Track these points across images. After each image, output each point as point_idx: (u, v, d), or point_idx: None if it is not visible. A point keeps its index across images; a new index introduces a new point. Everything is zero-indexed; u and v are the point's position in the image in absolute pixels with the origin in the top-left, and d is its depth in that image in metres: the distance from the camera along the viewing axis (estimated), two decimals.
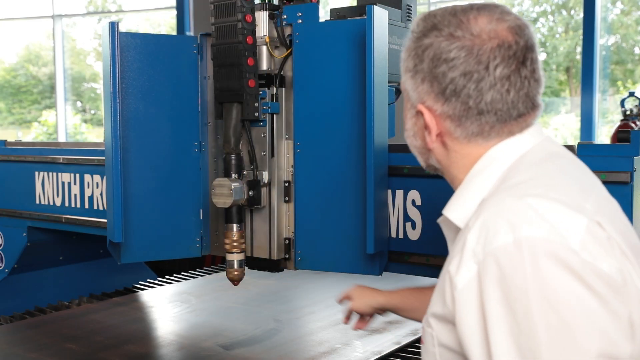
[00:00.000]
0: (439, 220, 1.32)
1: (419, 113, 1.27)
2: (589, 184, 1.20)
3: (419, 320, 1.89)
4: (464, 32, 1.18)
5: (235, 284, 2.54)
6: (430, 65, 1.22)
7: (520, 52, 1.18)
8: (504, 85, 1.17)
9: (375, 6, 2.23)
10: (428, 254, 2.35)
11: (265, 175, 2.52)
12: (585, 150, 2.06)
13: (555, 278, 0.99)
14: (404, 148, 2.54)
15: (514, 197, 1.08)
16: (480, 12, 1.20)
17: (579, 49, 9.44)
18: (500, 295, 1.01)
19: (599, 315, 0.98)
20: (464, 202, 1.22)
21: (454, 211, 1.24)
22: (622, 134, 5.84)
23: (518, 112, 1.20)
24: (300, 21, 2.49)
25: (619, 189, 1.94)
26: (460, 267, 1.08)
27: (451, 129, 1.23)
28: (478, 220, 1.09)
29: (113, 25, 2.43)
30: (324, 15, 2.60)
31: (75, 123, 14.90)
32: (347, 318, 2.09)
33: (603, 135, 8.89)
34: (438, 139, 1.27)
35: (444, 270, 1.16)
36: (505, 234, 1.03)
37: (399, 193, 2.41)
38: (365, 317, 2.06)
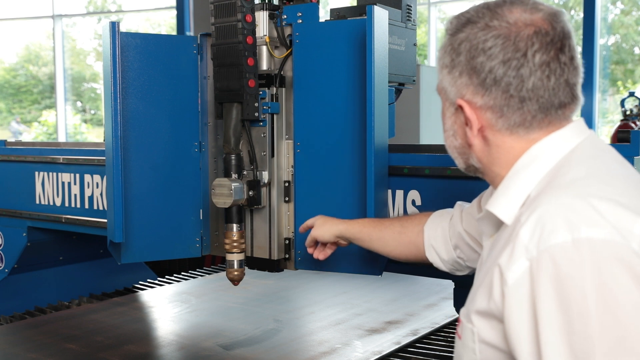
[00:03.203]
0: (480, 217, 1.30)
1: (459, 109, 1.25)
2: (638, 182, 1.18)
3: (377, 251, 1.96)
4: (500, 22, 1.18)
5: (235, 284, 2.54)
6: (468, 56, 1.20)
7: (557, 39, 1.17)
8: (544, 71, 1.16)
9: (375, 6, 2.23)
10: None
11: (265, 175, 2.52)
12: None
13: (616, 281, 0.97)
14: (404, 148, 2.55)
15: (573, 196, 1.05)
16: (513, 4, 1.20)
17: (579, 49, 9.44)
18: (555, 294, 1.00)
19: None
20: (509, 197, 1.20)
21: (499, 206, 1.21)
22: (622, 134, 5.82)
23: (559, 100, 1.18)
24: (300, 21, 2.49)
25: None
26: (512, 263, 1.05)
27: (492, 120, 1.21)
28: (532, 216, 1.06)
29: (113, 25, 2.43)
30: (324, 15, 2.60)
31: (75, 123, 14.90)
32: (312, 247, 2.13)
33: (603, 135, 8.90)
34: (479, 134, 1.24)
35: (492, 264, 1.13)
36: (563, 233, 1.01)
37: (399, 193, 2.41)
38: (327, 246, 2.10)
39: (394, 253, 1.93)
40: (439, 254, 1.80)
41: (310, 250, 2.13)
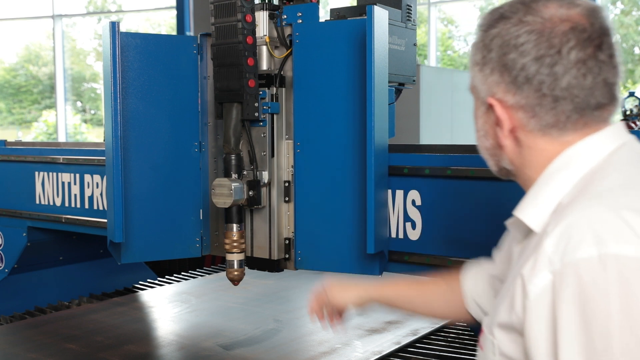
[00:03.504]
0: (509, 222, 1.22)
1: (490, 108, 1.18)
2: None
3: (417, 313, 1.79)
4: (534, 17, 1.11)
5: (235, 284, 2.54)
6: (499, 53, 1.14)
7: (595, 35, 1.10)
8: (580, 69, 1.09)
9: (375, 6, 2.23)
10: (428, 254, 2.35)
11: (265, 175, 2.52)
12: None
13: None
14: (404, 148, 2.55)
15: (604, 206, 0.99)
16: (549, 0, 1.14)
17: None
18: (576, 311, 0.95)
19: None
20: (539, 203, 1.13)
21: (528, 212, 1.14)
22: None
23: (596, 101, 1.11)
24: (300, 21, 2.49)
25: None
26: (534, 275, 1.01)
27: (524, 120, 1.14)
28: (559, 226, 1.00)
29: (113, 25, 2.43)
30: (324, 15, 2.60)
31: (75, 123, 14.91)
32: (322, 315, 1.79)
33: None
34: (510, 135, 1.18)
35: (515, 273, 1.08)
36: (589, 247, 0.95)
37: (399, 193, 2.41)
38: (341, 313, 1.80)
39: (442, 313, 1.78)
40: (482, 308, 1.64)
41: (322, 320, 1.80)
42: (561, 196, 1.10)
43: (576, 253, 0.96)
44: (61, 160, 3.37)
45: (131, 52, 2.58)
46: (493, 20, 1.17)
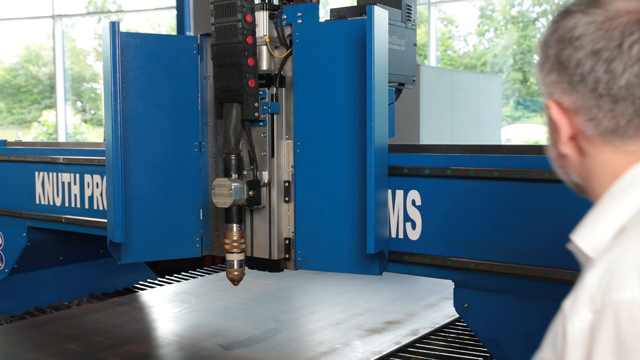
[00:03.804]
0: (570, 246, 1.06)
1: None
2: None
3: None
4: (598, 9, 0.99)
5: (235, 284, 2.54)
6: (557, 49, 1.03)
7: None
8: None
9: (375, 6, 2.23)
10: (428, 254, 2.35)
11: (265, 175, 2.52)
12: None
13: None
14: (404, 148, 2.55)
15: None
16: None
17: None
18: (611, 359, 0.83)
19: None
20: (599, 227, 0.99)
21: (585, 237, 1.00)
22: None
23: None
24: (300, 21, 2.49)
25: None
26: (574, 312, 0.89)
27: (582, 125, 1.01)
28: (606, 258, 0.88)
29: (113, 25, 2.43)
30: (324, 15, 2.60)
31: (75, 123, 14.91)
32: None
33: None
34: (573, 143, 1.04)
35: (561, 307, 0.97)
36: (632, 287, 0.83)
37: (399, 193, 2.41)
38: None
39: None
40: None
41: None
42: (625, 219, 0.97)
43: (619, 293, 0.84)
44: (61, 160, 3.37)
45: (131, 52, 2.58)
46: (559, 16, 1.06)
